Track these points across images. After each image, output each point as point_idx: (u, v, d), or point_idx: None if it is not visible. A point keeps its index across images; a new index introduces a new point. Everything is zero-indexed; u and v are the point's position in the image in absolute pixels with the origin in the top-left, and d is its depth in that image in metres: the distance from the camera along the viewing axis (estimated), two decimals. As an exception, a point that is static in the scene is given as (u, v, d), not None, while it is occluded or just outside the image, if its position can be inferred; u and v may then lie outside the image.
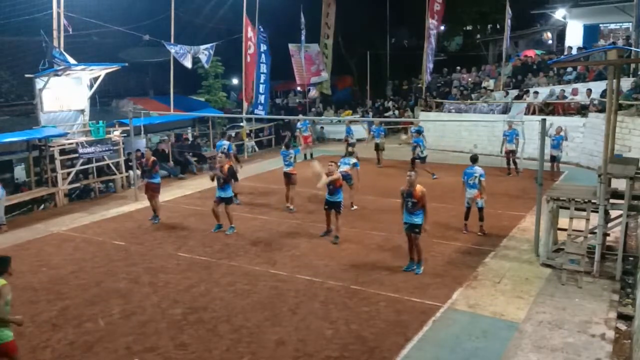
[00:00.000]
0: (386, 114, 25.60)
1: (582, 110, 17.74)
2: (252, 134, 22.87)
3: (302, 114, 25.38)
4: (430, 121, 20.84)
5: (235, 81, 29.39)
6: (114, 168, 15.37)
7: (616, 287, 7.97)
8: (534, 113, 18.09)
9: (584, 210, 8.64)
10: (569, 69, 19.63)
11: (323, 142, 23.99)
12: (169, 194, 14.50)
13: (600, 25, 23.54)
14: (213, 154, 15.93)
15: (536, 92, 18.97)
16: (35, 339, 6.81)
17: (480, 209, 10.44)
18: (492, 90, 21.47)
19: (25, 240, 11.06)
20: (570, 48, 21.26)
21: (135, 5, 21.47)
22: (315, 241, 10.40)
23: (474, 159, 10.74)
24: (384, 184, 14.82)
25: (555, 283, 8.19)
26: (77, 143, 14.25)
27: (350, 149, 13.97)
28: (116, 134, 15.52)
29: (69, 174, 14.20)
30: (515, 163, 16.11)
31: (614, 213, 8.78)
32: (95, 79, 15.29)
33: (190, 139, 20.83)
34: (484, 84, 22.16)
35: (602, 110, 15.21)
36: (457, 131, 20.26)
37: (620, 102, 13.35)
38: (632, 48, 15.90)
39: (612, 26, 23.45)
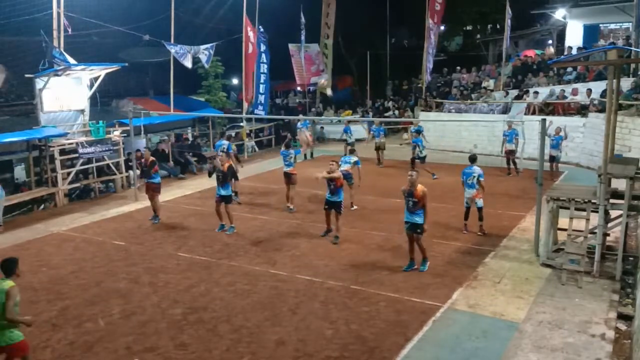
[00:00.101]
0: (386, 114, 25.62)
1: (582, 110, 17.75)
2: (252, 134, 22.88)
3: (302, 114, 25.39)
4: (430, 121, 20.84)
5: (235, 81, 29.41)
6: (114, 168, 15.37)
7: (616, 287, 7.97)
8: (534, 113, 18.11)
9: (584, 210, 8.65)
10: (569, 69, 19.64)
11: (323, 142, 23.98)
12: (169, 194, 14.50)
13: (600, 25, 23.55)
14: (213, 154, 15.95)
15: (536, 92, 18.98)
16: (35, 339, 6.79)
17: (480, 209, 10.46)
18: (492, 90, 21.48)
19: (25, 240, 11.06)
20: (570, 48, 21.27)
21: (135, 5, 21.48)
22: (315, 241, 10.40)
23: (473, 159, 10.77)
24: (384, 183, 14.83)
25: (555, 283, 8.19)
26: (77, 143, 14.25)
27: (349, 147, 13.97)
28: (116, 134, 15.52)
29: (69, 174, 14.19)
30: (515, 163, 16.12)
31: (614, 213, 8.78)
32: (95, 79, 15.29)
33: (190, 139, 20.84)
34: (484, 84, 22.17)
35: (602, 110, 15.21)
36: (457, 131, 20.26)
37: (620, 102, 13.35)
38: (632, 48, 15.90)
39: (612, 26, 23.46)
